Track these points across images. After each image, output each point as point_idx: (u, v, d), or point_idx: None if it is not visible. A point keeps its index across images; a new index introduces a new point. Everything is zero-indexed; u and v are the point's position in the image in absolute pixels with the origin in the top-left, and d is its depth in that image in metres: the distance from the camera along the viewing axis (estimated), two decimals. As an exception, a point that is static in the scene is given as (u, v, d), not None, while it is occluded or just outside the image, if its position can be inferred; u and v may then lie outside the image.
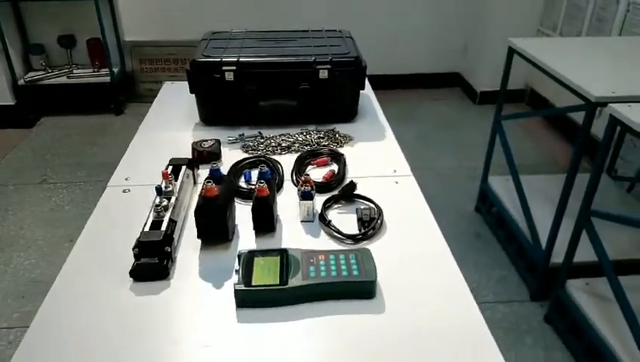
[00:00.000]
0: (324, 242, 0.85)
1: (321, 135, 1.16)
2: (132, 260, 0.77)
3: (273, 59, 1.18)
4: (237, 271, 0.74)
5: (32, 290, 1.97)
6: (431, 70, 3.88)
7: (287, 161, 1.07)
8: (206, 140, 1.10)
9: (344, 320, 0.70)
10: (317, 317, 0.70)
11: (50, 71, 3.32)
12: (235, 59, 1.16)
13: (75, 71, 3.35)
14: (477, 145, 3.04)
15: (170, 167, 0.95)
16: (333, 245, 0.84)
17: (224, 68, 1.15)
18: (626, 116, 1.33)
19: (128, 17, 3.48)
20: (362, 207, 0.91)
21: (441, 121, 3.40)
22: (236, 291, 0.70)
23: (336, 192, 0.95)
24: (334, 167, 1.06)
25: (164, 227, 0.79)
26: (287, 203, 0.93)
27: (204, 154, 1.07)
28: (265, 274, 0.72)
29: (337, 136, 1.16)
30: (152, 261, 0.75)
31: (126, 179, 1.02)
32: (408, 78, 3.83)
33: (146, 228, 0.79)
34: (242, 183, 1.00)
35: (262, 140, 1.14)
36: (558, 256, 1.83)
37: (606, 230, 1.57)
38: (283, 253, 0.76)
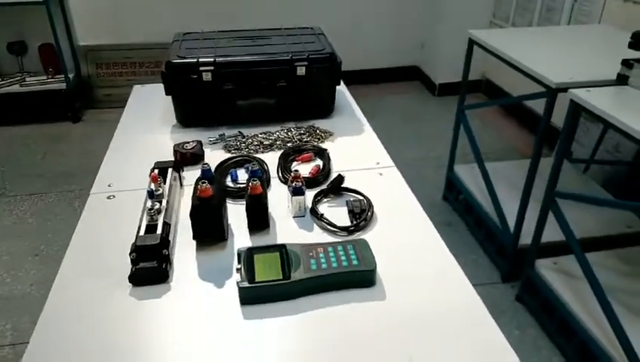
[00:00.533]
0: (317, 235, 0.86)
1: (302, 131, 1.17)
2: (128, 266, 0.77)
3: (250, 58, 1.18)
4: (238, 270, 0.75)
5: (4, 307, 1.89)
6: (390, 65, 3.95)
7: (270, 159, 1.07)
8: (188, 142, 1.09)
9: (348, 309, 0.71)
10: (321, 308, 0.71)
11: (0, 80, 3.18)
12: (212, 60, 1.15)
13: (27, 79, 3.22)
14: (439, 135, 3.13)
15: (156, 170, 0.94)
16: (328, 238, 0.85)
17: (201, 68, 1.14)
18: (587, 100, 1.41)
19: (81, 21, 3.37)
20: (352, 199, 0.93)
21: (403, 113, 3.47)
22: (240, 288, 0.71)
23: (324, 187, 0.97)
24: (319, 162, 1.07)
25: (159, 230, 0.78)
26: (276, 200, 0.94)
27: (188, 156, 1.06)
28: (266, 270, 0.73)
29: (318, 131, 1.18)
30: (151, 265, 0.75)
31: (109, 186, 1.00)
32: (369, 74, 3.88)
33: (141, 233, 0.78)
34: (229, 183, 1.00)
35: (243, 139, 1.14)
36: (525, 238, 1.91)
37: (568, 211, 1.66)
38: (282, 249, 0.77)
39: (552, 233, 1.74)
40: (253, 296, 0.71)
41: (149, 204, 0.82)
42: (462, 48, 3.51)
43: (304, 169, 1.02)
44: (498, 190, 2.06)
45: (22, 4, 3.01)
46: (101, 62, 3.43)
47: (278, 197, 0.95)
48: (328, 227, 0.87)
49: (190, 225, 0.83)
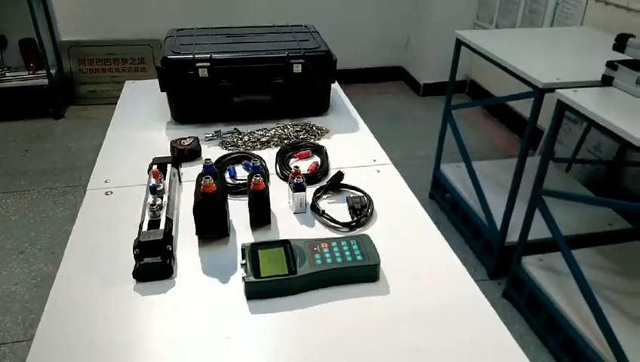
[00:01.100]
0: (319, 231, 0.87)
1: (298, 128, 1.18)
2: (130, 262, 0.76)
3: (247, 55, 1.18)
4: (243, 265, 0.75)
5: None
6: (375, 65, 3.97)
7: (267, 156, 1.07)
8: (184, 138, 1.09)
9: (352, 304, 0.72)
10: (326, 302, 0.72)
11: (-21, 75, 3.11)
12: (209, 56, 1.15)
13: (7, 74, 3.15)
14: (425, 135, 3.16)
15: (155, 166, 0.94)
16: (329, 233, 0.86)
17: (198, 64, 1.14)
18: (574, 100, 1.44)
19: (64, 16, 3.31)
20: (352, 195, 0.94)
21: (389, 113, 3.50)
22: (247, 283, 0.71)
23: (324, 183, 0.98)
24: (316, 159, 1.08)
25: (162, 226, 0.78)
26: (276, 196, 0.94)
27: (185, 153, 1.06)
28: (272, 265, 0.74)
29: (314, 128, 1.18)
30: (156, 260, 0.74)
31: (105, 182, 0.99)
32: (353, 73, 3.90)
33: (144, 228, 0.77)
34: (228, 179, 1.00)
35: (240, 136, 1.14)
36: (511, 236, 1.95)
37: (552, 209, 1.69)
38: (286, 244, 0.77)
39: (537, 231, 1.78)
40: (259, 290, 0.72)
41: (150, 199, 0.82)
42: (446, 49, 3.56)
43: (302, 166, 1.02)
44: (484, 189, 2.09)
45: (2, -3, 2.94)
46: (84, 58, 3.38)
47: (278, 193, 0.95)
48: (329, 223, 0.88)
49: (191, 220, 0.83)
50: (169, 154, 1.06)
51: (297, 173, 0.90)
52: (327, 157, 1.07)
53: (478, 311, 0.72)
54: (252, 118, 1.22)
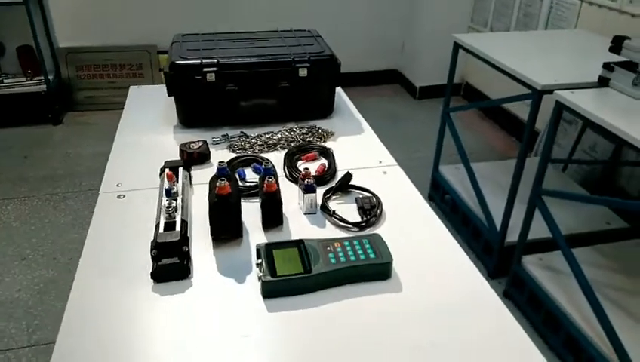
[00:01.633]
0: (330, 231, 0.89)
1: (304, 131, 1.20)
2: (146, 263, 0.78)
3: (253, 60, 1.20)
4: (258, 264, 0.77)
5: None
6: (371, 68, 4.00)
7: (274, 159, 1.09)
8: (193, 142, 1.10)
9: (366, 301, 0.74)
10: (340, 300, 0.74)
11: (-24, 81, 3.11)
12: (216, 61, 1.17)
13: (5, 81, 3.15)
14: (422, 137, 3.19)
15: (167, 170, 0.95)
16: (340, 233, 0.88)
17: (205, 69, 1.15)
18: (572, 101, 1.47)
19: (61, 23, 3.32)
20: (360, 196, 0.96)
21: (385, 116, 3.53)
22: (263, 282, 0.73)
23: (332, 184, 0.99)
24: (323, 161, 1.10)
25: (178, 227, 0.80)
26: (285, 197, 0.95)
27: (195, 156, 1.07)
28: (287, 264, 0.75)
29: (320, 131, 1.20)
30: (173, 261, 0.76)
31: (117, 185, 1.00)
32: (349, 77, 3.91)
33: (161, 230, 0.79)
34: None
35: (247, 139, 1.16)
36: (510, 236, 1.97)
37: (550, 208, 1.72)
38: (300, 244, 0.79)
39: (535, 230, 1.81)
40: (275, 289, 0.73)
41: (165, 202, 0.83)
42: (441, 52, 3.61)
43: (310, 168, 1.04)
44: (482, 190, 2.12)
45: (0, 4, 2.94)
46: (81, 64, 3.38)
47: (287, 194, 0.97)
48: (340, 223, 0.90)
49: (203, 222, 0.85)
50: (178, 158, 1.07)
51: (307, 174, 0.92)
52: (334, 159, 1.09)
53: (490, 307, 0.74)
54: (258, 122, 1.24)
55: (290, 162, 1.07)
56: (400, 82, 4.07)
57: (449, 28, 3.58)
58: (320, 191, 0.97)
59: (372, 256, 0.77)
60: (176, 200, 0.85)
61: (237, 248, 0.84)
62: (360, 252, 0.78)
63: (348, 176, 0.99)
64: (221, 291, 0.75)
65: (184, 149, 1.08)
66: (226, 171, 0.85)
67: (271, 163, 1.04)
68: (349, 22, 3.76)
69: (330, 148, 1.12)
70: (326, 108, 1.30)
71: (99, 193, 0.99)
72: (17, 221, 2.32)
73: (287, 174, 1.04)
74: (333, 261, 0.76)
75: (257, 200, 0.94)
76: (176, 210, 0.83)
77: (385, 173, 1.07)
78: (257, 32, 1.39)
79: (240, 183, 1.01)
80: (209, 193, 0.84)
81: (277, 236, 0.87)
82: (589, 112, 1.42)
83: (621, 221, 2.10)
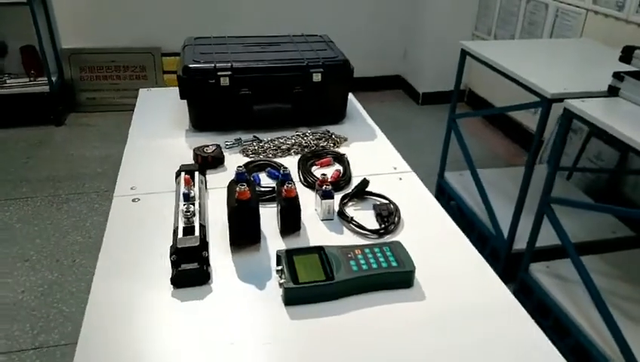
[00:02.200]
0: (348, 238, 0.88)
1: (318, 136, 1.19)
2: (164, 268, 0.77)
3: (267, 64, 1.19)
4: (279, 271, 0.76)
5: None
6: (374, 74, 4.01)
7: (288, 163, 1.08)
8: (207, 146, 1.09)
9: (389, 309, 0.73)
10: (362, 308, 0.73)
11: (-21, 81, 3.10)
12: (230, 65, 1.16)
13: (8, 81, 3.14)
14: (426, 143, 3.19)
15: (183, 173, 0.94)
16: (358, 240, 0.87)
17: (219, 73, 1.15)
18: (583, 110, 1.47)
19: (65, 24, 3.32)
20: (378, 203, 0.96)
21: (389, 122, 3.52)
22: (286, 289, 0.72)
23: (349, 191, 0.99)
24: (337, 167, 1.09)
25: (197, 232, 0.79)
26: (301, 203, 0.95)
27: (209, 160, 1.06)
28: (308, 271, 0.75)
29: (333, 136, 1.20)
30: (193, 266, 0.75)
31: (132, 189, 1.00)
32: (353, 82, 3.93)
33: (179, 235, 0.78)
34: (253, 186, 1.01)
35: (261, 144, 1.15)
36: (517, 243, 1.97)
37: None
38: (320, 250, 0.78)
39: (541, 238, 1.80)
40: (298, 296, 0.73)
41: (183, 206, 0.82)
42: (445, 59, 3.62)
43: (326, 173, 1.04)
44: (489, 196, 2.12)
45: (4, 4, 2.93)
46: (85, 65, 3.38)
47: (302, 200, 0.96)
48: (358, 230, 0.89)
49: (220, 226, 0.85)
50: (191, 161, 1.07)
51: (325, 180, 0.92)
52: (349, 165, 1.08)
53: (512, 313, 0.73)
54: (270, 126, 1.23)
55: (304, 167, 1.07)
56: (403, 88, 4.08)
57: (452, 35, 3.60)
58: (336, 197, 0.96)
59: (394, 263, 0.77)
60: (193, 204, 0.84)
61: (256, 254, 0.83)
62: (382, 259, 0.77)
63: (365, 183, 0.98)
64: (241, 297, 0.74)
65: (198, 153, 1.07)
66: (245, 176, 0.84)
67: (274, 168, 1.04)
68: (351, 28, 3.77)
69: (344, 154, 1.11)
70: (339, 114, 1.30)
71: (113, 196, 0.98)
72: (20, 222, 2.31)
73: (302, 179, 1.04)
74: (355, 268, 0.75)
75: (274, 205, 0.93)
76: (194, 215, 0.82)
77: (400, 179, 1.07)
78: (269, 37, 1.39)
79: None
80: (228, 198, 0.83)
81: (295, 242, 0.86)
82: (602, 122, 1.41)
83: (627, 230, 2.10)
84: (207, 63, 1.17)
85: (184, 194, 0.83)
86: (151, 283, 0.76)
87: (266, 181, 1.04)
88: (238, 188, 0.79)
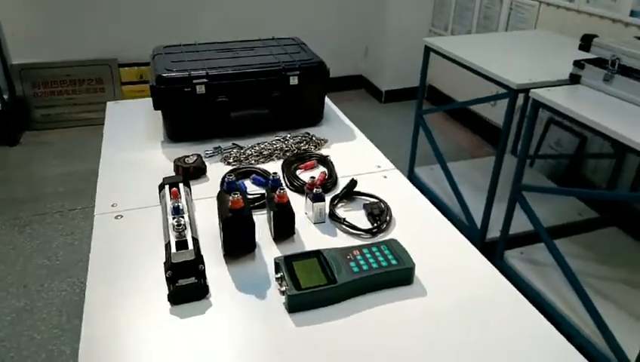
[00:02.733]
0: (341, 239, 0.88)
1: (298, 139, 1.18)
2: (157, 285, 0.75)
3: (243, 70, 1.17)
4: (279, 279, 0.75)
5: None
6: (336, 74, 4.01)
7: (271, 169, 1.07)
8: (188, 156, 1.07)
9: (393, 307, 0.73)
10: (366, 309, 0.73)
11: None
12: (205, 72, 1.14)
13: (-45, 101, 2.98)
14: (392, 141, 3.22)
15: (167, 187, 0.92)
16: (352, 241, 0.87)
17: (195, 81, 1.12)
18: (549, 99, 1.52)
19: (14, 38, 3.17)
20: (367, 202, 0.96)
21: (355, 122, 3.54)
22: (289, 296, 0.71)
23: (335, 192, 0.98)
24: (322, 169, 1.09)
25: (190, 246, 0.76)
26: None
27: (191, 170, 1.04)
28: (309, 276, 0.74)
29: (314, 139, 1.19)
30: (191, 281, 0.73)
31: (112, 206, 0.96)
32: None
33: (173, 250, 0.76)
34: (239, 195, 0.99)
35: (242, 150, 1.14)
36: (489, 233, 2.02)
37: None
38: (318, 254, 0.78)
39: (512, 225, 1.85)
40: (301, 302, 0.71)
41: (172, 220, 0.80)
42: (404, 56, 3.68)
43: (309, 176, 1.03)
44: (459, 188, 2.16)
45: (-54, 21, 2.79)
46: (37, 80, 3.24)
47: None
48: (351, 230, 0.89)
49: (209, 238, 0.83)
50: (171, 173, 1.04)
51: (314, 183, 0.91)
52: (333, 166, 1.08)
53: (513, 302, 0.75)
54: (248, 132, 1.22)
55: (289, 171, 1.05)
56: (365, 87, 4.11)
57: (411, 32, 3.66)
58: (327, 199, 0.95)
59: (394, 261, 0.77)
60: (183, 217, 0.82)
61: (251, 263, 0.82)
62: (381, 258, 0.77)
63: (353, 183, 0.98)
64: (243, 309, 0.73)
65: (179, 164, 1.04)
66: (235, 185, 0.83)
67: (259, 175, 1.02)
68: (312, 29, 3.75)
69: (327, 156, 1.11)
70: (316, 116, 1.29)
71: (94, 215, 0.94)
72: (-19, 249, 2.19)
73: (289, 184, 1.03)
74: (356, 269, 0.75)
75: (263, 212, 0.92)
76: (185, 228, 0.79)
77: (385, 177, 1.07)
78: (240, 42, 1.37)
79: (241, 196, 0.98)
80: (219, 208, 0.81)
81: (290, 248, 0.85)
82: (570, 110, 1.46)
83: (592, 211, 2.19)
84: (181, 72, 1.14)
85: (174, 207, 0.81)
86: (146, 302, 0.73)
87: (251, 188, 1.02)
88: (231, 198, 0.77)
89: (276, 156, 1.13)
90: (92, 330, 0.69)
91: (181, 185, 0.93)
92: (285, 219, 0.84)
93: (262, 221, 0.90)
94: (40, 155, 3.00)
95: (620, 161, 2.14)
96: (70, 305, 1.90)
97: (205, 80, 1.13)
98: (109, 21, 3.26)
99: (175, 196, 0.85)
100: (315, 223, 0.91)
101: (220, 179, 1.01)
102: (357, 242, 0.86)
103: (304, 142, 1.18)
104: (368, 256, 0.78)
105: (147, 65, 3.39)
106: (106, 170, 1.10)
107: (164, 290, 0.73)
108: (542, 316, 0.73)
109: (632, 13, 2.12)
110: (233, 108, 1.19)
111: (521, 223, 1.84)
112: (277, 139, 1.18)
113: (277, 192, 0.83)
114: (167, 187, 0.91)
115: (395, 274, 0.76)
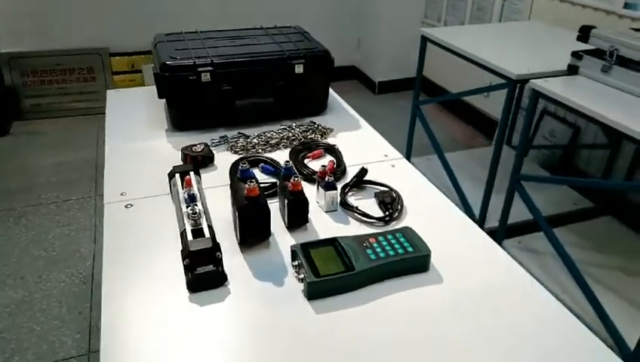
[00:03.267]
0: (354, 227, 0.88)
1: (304, 128, 1.18)
2: (175, 273, 0.75)
3: (248, 58, 1.16)
4: (296, 266, 0.75)
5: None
6: (329, 65, 4.00)
7: (278, 157, 1.07)
8: (194, 145, 1.06)
9: (410, 294, 0.74)
10: (384, 296, 0.73)
11: None
12: (210, 60, 1.13)
13: (-57, 90, 2.92)
14: (386, 131, 3.21)
15: (177, 175, 0.91)
16: (365, 229, 0.87)
17: (200, 69, 1.11)
18: (548, 89, 1.53)
19: (2, 26, 3.11)
20: (378, 191, 0.96)
21: (348, 112, 3.54)
22: (309, 284, 0.71)
23: (345, 181, 0.99)
24: (329, 158, 1.09)
25: (206, 234, 0.76)
26: (302, 196, 0.94)
27: (199, 159, 1.03)
28: (327, 263, 0.74)
29: (320, 128, 1.19)
30: (209, 269, 0.72)
31: (122, 194, 0.95)
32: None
33: (189, 238, 0.75)
34: (249, 183, 0.99)
35: (248, 139, 1.13)
36: (488, 222, 2.04)
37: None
38: (335, 242, 0.78)
39: (510, 215, 1.87)
40: (320, 290, 0.72)
41: (187, 208, 0.79)
42: (397, 47, 3.68)
43: (317, 165, 1.03)
44: (457, 179, 2.17)
45: None
46: (27, 69, 3.18)
47: (301, 194, 0.95)
48: (364, 218, 0.89)
49: (222, 226, 0.83)
50: (178, 162, 1.03)
51: (325, 172, 0.91)
52: (341, 155, 1.08)
53: (527, 288, 0.76)
54: (253, 121, 1.21)
55: (298, 160, 1.05)
56: (358, 78, 4.11)
57: (404, 23, 3.66)
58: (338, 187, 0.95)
59: (410, 249, 0.77)
60: (197, 205, 0.82)
61: (266, 251, 0.81)
62: (397, 246, 0.77)
63: (363, 172, 0.98)
64: (262, 296, 0.73)
65: (187, 153, 1.03)
66: (250, 173, 0.82)
67: (268, 163, 1.02)
68: (304, 22, 3.73)
69: (335, 145, 1.11)
70: (321, 105, 1.29)
71: (104, 203, 0.93)
72: (-26, 241, 2.16)
73: (297, 172, 1.02)
74: (373, 257, 0.75)
75: (275, 200, 0.92)
76: (200, 216, 0.79)
77: (393, 166, 1.08)
78: (241, 30, 1.36)
79: (251, 185, 0.98)
80: (234, 196, 0.81)
81: (304, 236, 0.85)
82: (568, 100, 1.48)
83: (587, 201, 2.22)
84: (185, 59, 1.13)
85: (189, 195, 0.80)
86: (165, 291, 0.73)
87: (260, 177, 1.02)
88: (247, 186, 0.77)
89: (283, 145, 1.13)
90: (112, 319, 0.68)
91: (192, 173, 0.92)
92: (300, 207, 0.84)
93: (274, 209, 0.90)
94: (31, 145, 2.95)
95: (614, 151, 2.17)
96: (70, 296, 1.89)
97: (211, 68, 1.12)
98: (100, 10, 3.21)
99: (189, 184, 0.85)
100: (326, 211, 0.91)
101: (227, 168, 1.01)
102: (369, 230, 0.86)
103: (310, 130, 1.18)
104: (384, 243, 0.78)
105: (138, 55, 3.38)
106: (112, 158, 1.08)
107: (183, 278, 0.73)
108: (557, 301, 0.74)
109: (626, 5, 2.14)
110: (238, 96, 1.18)
111: (517, 213, 1.86)
112: (283, 128, 1.18)
113: (291, 180, 0.83)
114: (177, 175, 0.91)
115: (412, 261, 0.76)
